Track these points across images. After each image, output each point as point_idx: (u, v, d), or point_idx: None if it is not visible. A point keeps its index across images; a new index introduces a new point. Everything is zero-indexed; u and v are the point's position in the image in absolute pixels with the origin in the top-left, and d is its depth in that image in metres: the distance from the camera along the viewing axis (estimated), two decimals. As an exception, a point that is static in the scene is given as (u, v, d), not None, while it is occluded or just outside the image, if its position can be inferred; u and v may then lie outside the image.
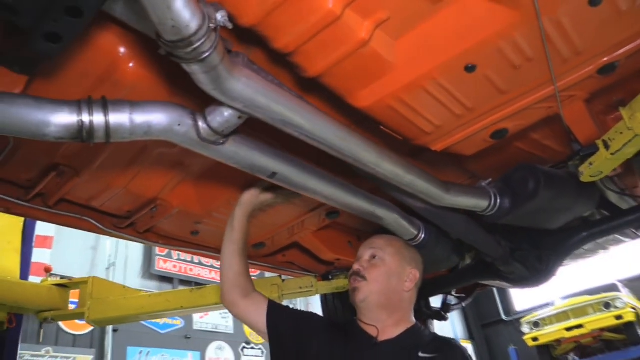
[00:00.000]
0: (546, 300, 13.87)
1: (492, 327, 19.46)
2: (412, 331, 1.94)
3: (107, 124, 1.39)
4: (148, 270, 11.60)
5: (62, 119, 1.35)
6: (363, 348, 1.89)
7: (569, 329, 10.72)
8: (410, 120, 1.92)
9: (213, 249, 2.78)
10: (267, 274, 3.51)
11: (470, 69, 1.70)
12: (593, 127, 2.12)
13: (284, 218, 2.56)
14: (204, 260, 11.93)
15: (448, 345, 1.92)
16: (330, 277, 3.27)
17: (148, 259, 11.74)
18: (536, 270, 3.16)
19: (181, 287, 12.22)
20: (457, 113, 1.91)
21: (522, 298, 18.05)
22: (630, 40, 1.71)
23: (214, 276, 12.67)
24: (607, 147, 2.06)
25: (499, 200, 2.42)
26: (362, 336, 1.92)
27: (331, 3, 1.44)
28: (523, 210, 2.40)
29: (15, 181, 2.07)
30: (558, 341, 11.06)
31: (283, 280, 3.26)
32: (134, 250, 11.34)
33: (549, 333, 11.02)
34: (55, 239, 9.14)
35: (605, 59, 1.78)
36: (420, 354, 1.82)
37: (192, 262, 12.09)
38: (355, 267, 1.99)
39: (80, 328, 9.41)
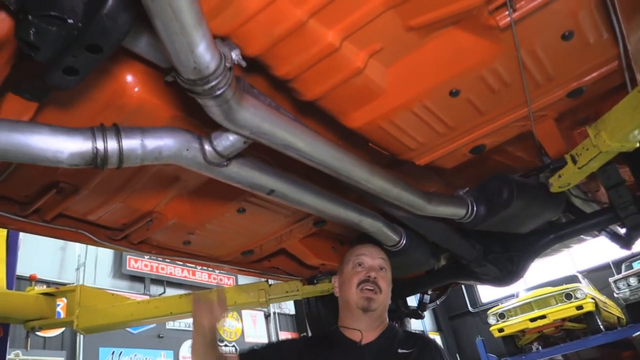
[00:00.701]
0: (511, 292, 14.28)
1: (459, 319, 19.99)
2: (389, 330, 2.02)
3: (120, 150, 1.46)
4: (119, 269, 11.50)
5: (77, 146, 1.41)
6: (348, 354, 1.95)
7: (532, 320, 11.04)
8: (397, 139, 2.05)
9: (204, 257, 2.87)
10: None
11: (454, 93, 1.84)
12: (562, 142, 2.30)
13: (273, 227, 2.67)
14: (175, 259, 11.86)
15: (421, 339, 2.04)
16: (315, 281, 3.39)
17: (119, 259, 11.62)
18: (508, 271, 3.36)
19: (153, 287, 12.18)
20: (440, 132, 2.05)
21: (487, 290, 18.59)
22: (595, 68, 1.89)
23: (186, 274, 12.64)
24: (574, 161, 2.23)
25: (475, 208, 2.58)
26: (346, 342, 1.97)
27: (331, 36, 1.56)
28: (498, 217, 2.58)
29: (13, 197, 2.11)
30: (522, 331, 11.40)
31: (270, 285, 3.36)
32: (104, 249, 11.20)
33: (514, 324, 11.34)
34: (22, 239, 8.97)
35: (574, 84, 1.95)
36: (399, 351, 1.92)
37: (163, 260, 12.02)
38: (372, 274, 1.99)
39: (50, 330, 9.27)
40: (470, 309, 19.75)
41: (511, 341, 11.92)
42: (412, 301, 4.38)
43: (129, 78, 1.67)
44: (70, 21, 1.21)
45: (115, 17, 1.20)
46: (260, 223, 2.58)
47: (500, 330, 11.74)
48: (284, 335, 14.03)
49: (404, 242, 2.79)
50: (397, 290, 3.99)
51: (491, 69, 1.77)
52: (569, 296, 10.86)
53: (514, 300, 12.28)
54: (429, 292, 4.26)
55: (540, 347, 11.36)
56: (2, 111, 1.51)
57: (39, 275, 9.85)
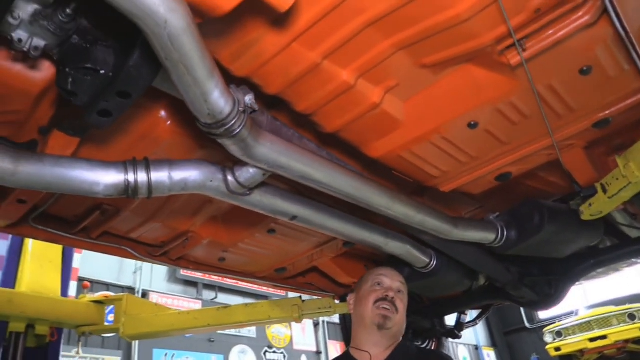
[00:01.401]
0: (570, 309, 13.76)
1: (515, 335, 19.35)
2: (400, 348, 2.00)
3: (149, 182, 1.60)
4: (173, 274, 11.91)
5: (111, 178, 1.56)
6: None
7: (592, 340, 10.61)
8: (419, 167, 2.10)
9: (239, 273, 3.01)
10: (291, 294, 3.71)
11: (472, 125, 1.88)
12: (592, 171, 2.27)
13: (303, 247, 2.77)
14: (227, 265, 12.16)
15: (433, 355, 2.09)
16: (347, 299, 3.45)
17: (174, 264, 12.04)
18: (545, 295, 3.30)
19: (205, 292, 12.55)
20: (462, 161, 2.08)
21: (546, 306, 17.94)
22: (620, 100, 1.87)
23: (238, 281, 12.94)
24: (605, 190, 2.20)
25: (505, 233, 2.58)
26: None
27: (345, 75, 1.64)
28: (529, 242, 2.56)
29: (63, 217, 2.31)
30: (581, 351, 10.96)
31: (303, 301, 3.46)
32: (160, 255, 11.65)
33: (572, 343, 10.93)
34: (85, 245, 9.49)
35: (599, 115, 1.93)
36: None
37: (216, 267, 12.34)
38: (390, 294, 2.02)
39: (108, 331, 9.73)
40: (527, 324, 19.08)
41: (569, 361, 11.48)
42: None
43: (162, 113, 1.81)
44: (102, 72, 1.36)
45: (140, 68, 1.33)
46: (291, 243, 2.69)
47: (557, 349, 11.34)
48: (333, 344, 14.07)
49: (435, 263, 2.82)
50: (434, 309, 4.02)
51: (508, 103, 1.79)
52: (632, 317, 10.37)
53: (573, 318, 11.83)
54: (466, 313, 4.22)
55: (602, 369, 10.90)
56: (49, 145, 1.68)
57: (100, 278, 10.42)
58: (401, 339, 2.07)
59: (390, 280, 2.09)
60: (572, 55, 1.62)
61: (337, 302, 3.50)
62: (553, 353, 11.45)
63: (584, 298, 15.73)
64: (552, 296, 3.31)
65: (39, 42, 1.34)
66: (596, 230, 2.77)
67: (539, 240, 2.55)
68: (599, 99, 1.86)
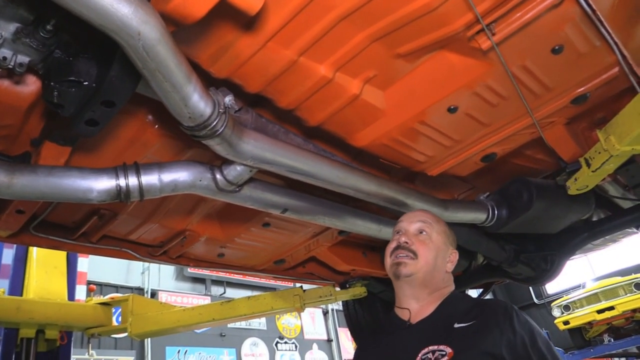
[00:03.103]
0: (578, 282, 13.80)
1: (524, 311, 19.35)
2: (447, 302, 1.72)
3: (140, 185, 1.66)
4: (181, 272, 12.05)
5: (103, 184, 1.62)
6: (396, 336, 1.73)
7: (600, 311, 10.62)
8: (405, 154, 2.15)
9: (238, 267, 3.08)
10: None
11: (452, 110, 1.92)
12: (575, 146, 2.32)
13: (299, 238, 2.83)
14: (234, 260, 12.27)
15: (489, 307, 1.66)
16: (347, 286, 3.53)
17: (180, 262, 12.15)
18: (542, 270, 3.36)
19: (214, 287, 12.67)
20: (446, 145, 2.13)
21: (553, 281, 17.98)
22: (595, 75, 1.91)
23: (244, 276, 13.05)
24: (588, 164, 2.24)
25: (496, 212, 2.63)
26: (396, 323, 1.76)
27: (323, 69, 1.69)
28: (520, 220, 2.61)
29: (63, 224, 2.38)
30: (590, 324, 11.01)
31: (304, 291, 3.53)
32: (166, 254, 11.76)
33: (580, 316, 10.97)
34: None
35: (576, 91, 1.97)
36: (456, 325, 1.61)
37: (222, 262, 12.46)
38: (402, 239, 1.76)
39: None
40: (535, 300, 19.17)
41: (578, 334, 11.51)
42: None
43: (149, 117, 1.87)
44: (85, 83, 1.42)
45: (121, 78, 1.38)
46: (286, 235, 2.75)
47: (566, 322, 11.37)
48: (343, 331, 14.21)
49: (429, 246, 2.87)
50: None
51: (485, 86, 1.83)
52: (638, 286, 10.41)
53: (580, 291, 11.89)
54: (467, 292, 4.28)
55: (612, 339, 10.94)
56: (42, 156, 1.74)
57: (108, 281, 10.54)
58: (452, 288, 1.80)
59: (407, 223, 1.84)
60: (542, 35, 1.66)
61: (337, 289, 3.57)
62: (562, 327, 11.48)
63: (591, 270, 15.79)
64: (548, 271, 3.37)
65: (23, 59, 1.39)
66: (586, 204, 2.81)
67: (529, 217, 2.60)
68: (574, 75, 1.89)
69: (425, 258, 1.73)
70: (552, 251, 3.32)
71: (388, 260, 1.79)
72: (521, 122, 2.09)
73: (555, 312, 11.72)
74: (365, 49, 1.64)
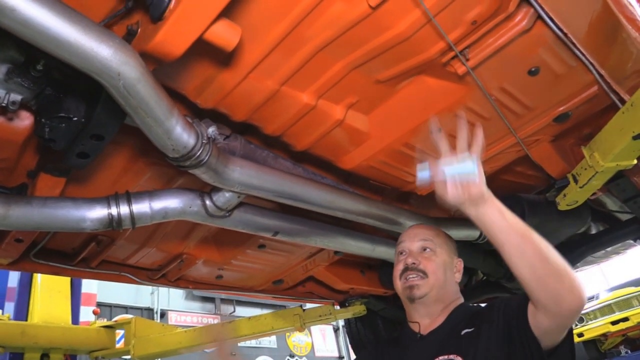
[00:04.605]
0: (591, 294, 13.64)
1: (538, 323, 19.15)
2: (457, 311, 1.74)
3: (131, 214, 1.72)
4: (190, 292, 12.07)
5: (95, 214, 1.69)
6: (409, 347, 1.75)
7: (614, 323, 10.50)
8: (393, 175, 2.19)
9: (237, 288, 3.12)
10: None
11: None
12: (562, 162, 2.35)
13: (296, 259, 2.87)
14: (242, 278, 12.30)
15: (488, 307, 1.68)
16: (347, 304, 3.56)
17: (189, 282, 12.20)
18: (540, 285, 3.36)
19: (223, 306, 12.68)
20: (432, 165, 2.17)
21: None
22: (575, 94, 1.95)
23: (255, 293, 13.04)
24: (576, 181, 2.28)
25: (489, 229, 2.65)
26: (408, 336, 1.78)
27: (305, 97, 1.75)
28: (513, 236, 2.63)
29: (62, 250, 2.44)
30: (604, 335, 10.86)
31: (304, 310, 3.56)
32: (175, 274, 11.81)
33: (594, 328, 10.84)
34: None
35: (557, 110, 2.02)
36: (464, 332, 1.63)
37: (231, 281, 12.48)
38: (409, 261, 1.75)
39: (130, 353, 9.88)
40: (548, 312, 18.92)
41: (593, 346, 11.35)
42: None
43: (139, 147, 1.93)
44: (75, 119, 1.48)
45: (108, 113, 1.45)
46: (282, 256, 2.79)
47: (580, 334, 11.24)
48: (354, 348, 14.11)
49: (425, 264, 2.90)
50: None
51: (465, 108, 1.88)
52: (651, 296, 10.29)
53: (593, 302, 11.75)
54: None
55: (628, 351, 10.78)
56: (38, 187, 1.80)
57: (118, 302, 10.60)
58: (461, 300, 1.80)
59: (410, 242, 1.82)
60: (517, 58, 1.71)
61: (337, 308, 3.60)
62: (576, 339, 11.31)
63: (604, 281, 15.61)
64: (547, 285, 3.36)
65: (16, 97, 1.46)
66: (580, 218, 2.84)
67: (523, 233, 2.62)
68: (554, 95, 1.94)
69: (435, 275, 1.73)
70: (550, 266, 3.32)
71: (399, 284, 1.78)
72: (505, 141, 2.13)
73: (569, 324, 11.52)
74: (345, 77, 1.70)
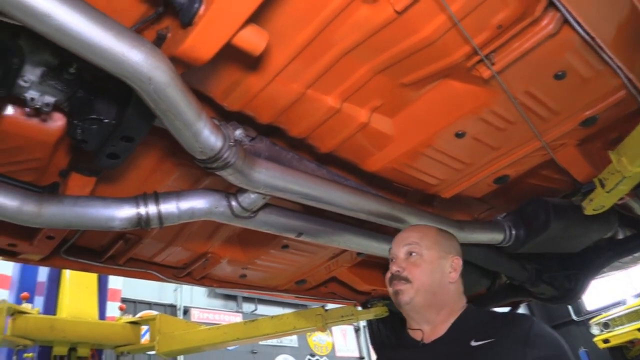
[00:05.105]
0: (618, 299, 13.35)
1: (563, 328, 18.77)
2: (463, 318, 1.64)
3: (159, 213, 1.76)
4: (213, 289, 12.19)
5: (124, 213, 1.73)
6: (410, 356, 1.69)
7: (641, 330, 10.29)
8: (417, 177, 2.20)
9: (261, 287, 3.16)
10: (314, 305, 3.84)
11: (460, 135, 1.97)
12: (588, 167, 2.32)
13: (319, 259, 2.89)
14: (264, 277, 12.39)
15: (506, 322, 1.56)
16: (369, 305, 3.57)
17: (212, 279, 12.33)
18: (566, 290, 3.33)
19: (245, 304, 12.78)
20: (457, 168, 2.17)
21: (593, 297, 17.41)
22: (602, 98, 1.93)
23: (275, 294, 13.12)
24: (603, 185, 2.25)
25: (514, 233, 2.65)
26: (409, 343, 1.71)
27: (330, 100, 1.77)
28: (538, 240, 2.62)
29: (91, 247, 2.50)
30: (631, 342, 10.63)
31: (326, 310, 3.58)
32: (198, 271, 11.95)
33: (621, 334, 10.61)
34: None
35: (584, 114, 1.99)
36: (473, 343, 1.52)
37: (253, 280, 12.57)
38: (394, 269, 1.70)
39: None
40: (574, 317, 18.56)
41: (619, 353, 11.10)
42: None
43: (168, 148, 1.97)
44: (106, 120, 1.53)
45: (138, 115, 1.49)
46: (305, 256, 2.81)
47: (606, 341, 11.02)
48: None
49: (447, 266, 2.89)
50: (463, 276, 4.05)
51: (491, 111, 1.87)
52: (680, 303, 10.03)
53: (620, 308, 11.50)
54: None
55: (657, 359, 10.53)
56: (69, 186, 1.86)
57: (142, 298, 10.77)
58: (463, 303, 1.71)
59: (397, 249, 1.76)
60: (543, 62, 1.70)
61: (359, 308, 3.61)
62: (602, 345, 11.12)
63: (631, 287, 15.26)
64: (572, 290, 3.33)
65: (49, 99, 1.51)
66: (607, 223, 2.79)
67: (548, 237, 2.60)
68: (580, 99, 1.92)
69: (419, 280, 1.65)
70: (576, 270, 3.29)
71: (390, 290, 1.73)
72: (531, 144, 2.11)
73: (594, 330, 11.36)
74: (370, 80, 1.71)
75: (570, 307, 18.19)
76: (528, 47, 1.61)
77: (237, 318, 11.69)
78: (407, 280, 1.65)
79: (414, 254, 1.70)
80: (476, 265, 3.07)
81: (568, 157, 2.27)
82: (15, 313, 3.34)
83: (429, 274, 1.66)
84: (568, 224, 2.62)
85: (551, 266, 3.32)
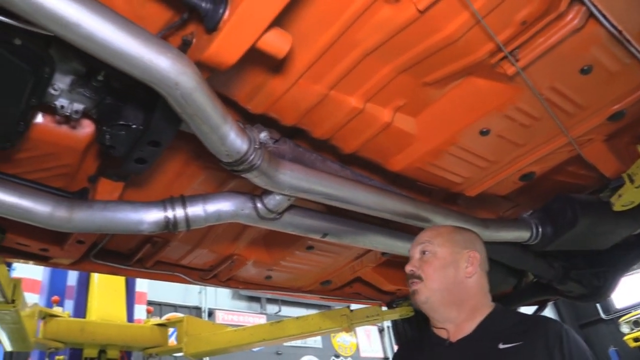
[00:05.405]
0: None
1: (591, 327, 18.45)
2: (491, 319, 1.63)
3: (186, 216, 1.78)
4: (237, 291, 12.26)
5: (152, 217, 1.76)
6: (436, 354, 1.68)
7: (672, 326, 10.09)
8: (441, 176, 2.18)
9: (286, 289, 3.18)
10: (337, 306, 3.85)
11: (484, 132, 1.95)
12: (617, 162, 2.28)
13: (343, 260, 2.89)
14: (287, 278, 12.42)
15: (535, 325, 1.55)
16: (394, 305, 3.56)
17: (236, 281, 12.42)
18: (594, 287, 3.28)
19: (269, 306, 12.84)
20: (481, 166, 2.15)
21: (622, 294, 17.04)
22: (630, 92, 1.90)
23: (299, 295, 13.16)
24: (632, 180, 2.21)
25: (540, 230, 2.61)
26: (435, 341, 1.70)
27: (353, 101, 1.77)
28: (565, 237, 2.58)
29: (120, 251, 2.55)
30: (663, 340, 10.43)
31: (351, 311, 3.58)
32: (222, 273, 12.04)
33: (651, 332, 10.42)
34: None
35: (612, 108, 1.96)
36: (501, 346, 1.52)
37: (276, 281, 12.63)
38: (408, 268, 1.73)
39: (179, 350, 10.15)
40: (602, 315, 18.19)
41: (649, 351, 10.92)
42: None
43: (193, 152, 2.00)
44: (133, 126, 1.56)
45: (165, 120, 1.52)
46: (330, 257, 2.82)
47: (637, 339, 10.83)
48: (399, 349, 14.00)
49: (473, 265, 2.87)
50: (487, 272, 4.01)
51: (515, 108, 1.86)
52: None
53: (651, 305, 11.28)
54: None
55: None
56: (98, 191, 1.89)
57: (167, 300, 10.89)
58: (491, 303, 1.71)
59: (413, 249, 1.79)
60: (569, 57, 1.68)
61: (384, 309, 3.60)
62: (632, 344, 10.92)
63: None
64: (601, 288, 3.28)
65: (78, 106, 1.55)
66: (636, 219, 2.73)
67: (575, 234, 2.56)
68: (607, 94, 1.89)
69: (431, 278, 1.66)
70: (604, 267, 3.23)
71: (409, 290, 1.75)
72: (557, 141, 2.08)
73: (624, 328, 11.18)
74: (393, 80, 1.71)
75: (598, 306, 17.88)
76: (553, 42, 1.59)
77: (261, 319, 11.74)
78: (420, 278, 1.68)
79: (427, 252, 1.73)
80: (502, 264, 3.04)
81: (595, 153, 2.24)
82: (46, 316, 3.42)
83: (442, 271, 1.67)
84: (596, 221, 2.58)
85: (579, 264, 3.27)
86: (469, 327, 1.62)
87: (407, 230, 2.53)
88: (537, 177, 2.36)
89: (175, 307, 11.00)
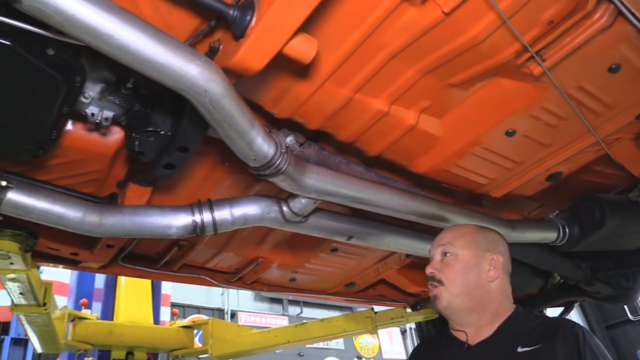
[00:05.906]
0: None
1: (618, 328, 18.15)
2: (511, 322, 1.60)
3: (214, 220, 1.80)
4: (259, 293, 12.33)
5: (180, 221, 1.78)
6: (455, 355, 1.66)
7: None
8: (466, 178, 2.17)
9: (310, 291, 3.19)
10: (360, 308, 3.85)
11: (510, 133, 1.94)
12: (646, 161, 2.24)
13: (368, 262, 2.90)
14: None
15: (554, 327, 1.53)
16: (418, 307, 3.54)
17: (258, 283, 12.50)
18: (623, 288, 3.22)
19: (291, 307, 12.88)
20: (507, 167, 2.14)
21: (649, 295, 16.73)
22: None
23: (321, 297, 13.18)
24: (661, 179, 2.17)
25: (567, 231, 2.58)
26: (453, 344, 1.67)
27: (378, 104, 1.77)
28: (593, 238, 2.55)
29: (147, 254, 2.59)
30: (692, 342, 10.19)
31: (375, 313, 3.58)
32: (244, 275, 12.13)
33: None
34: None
35: (640, 107, 1.93)
36: (520, 349, 1.50)
37: (298, 283, 12.67)
38: (428, 270, 1.68)
39: (203, 352, 10.25)
40: (630, 316, 17.87)
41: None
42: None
43: (219, 157, 2.02)
44: (162, 132, 1.58)
45: (193, 126, 1.54)
46: (354, 259, 2.82)
47: (665, 340, 10.60)
48: (422, 351, 13.93)
49: (499, 267, 2.84)
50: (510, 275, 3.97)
51: (542, 108, 1.84)
52: None
53: (679, 306, 11.04)
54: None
55: None
56: (127, 196, 1.93)
57: (191, 302, 11.01)
58: (512, 306, 1.66)
59: (434, 250, 1.75)
60: (597, 56, 1.66)
61: (408, 310, 3.59)
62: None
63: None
64: (630, 289, 3.23)
65: (108, 114, 1.58)
66: (667, 219, 2.69)
67: (603, 234, 2.53)
68: (636, 92, 1.86)
69: (452, 282, 1.62)
70: (633, 268, 3.17)
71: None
72: (584, 140, 2.06)
73: (652, 330, 10.93)
74: (418, 82, 1.71)
75: (625, 307, 17.55)
76: (580, 41, 1.57)
77: (284, 321, 11.79)
78: (440, 282, 1.64)
79: (448, 254, 1.68)
80: (529, 265, 3.02)
81: (624, 152, 2.20)
82: (75, 319, 3.49)
83: (463, 274, 1.63)
84: (624, 221, 2.54)
85: (607, 264, 3.22)
86: (488, 331, 1.61)
87: (432, 232, 2.51)
88: (564, 177, 2.34)
89: (198, 309, 11.12)
